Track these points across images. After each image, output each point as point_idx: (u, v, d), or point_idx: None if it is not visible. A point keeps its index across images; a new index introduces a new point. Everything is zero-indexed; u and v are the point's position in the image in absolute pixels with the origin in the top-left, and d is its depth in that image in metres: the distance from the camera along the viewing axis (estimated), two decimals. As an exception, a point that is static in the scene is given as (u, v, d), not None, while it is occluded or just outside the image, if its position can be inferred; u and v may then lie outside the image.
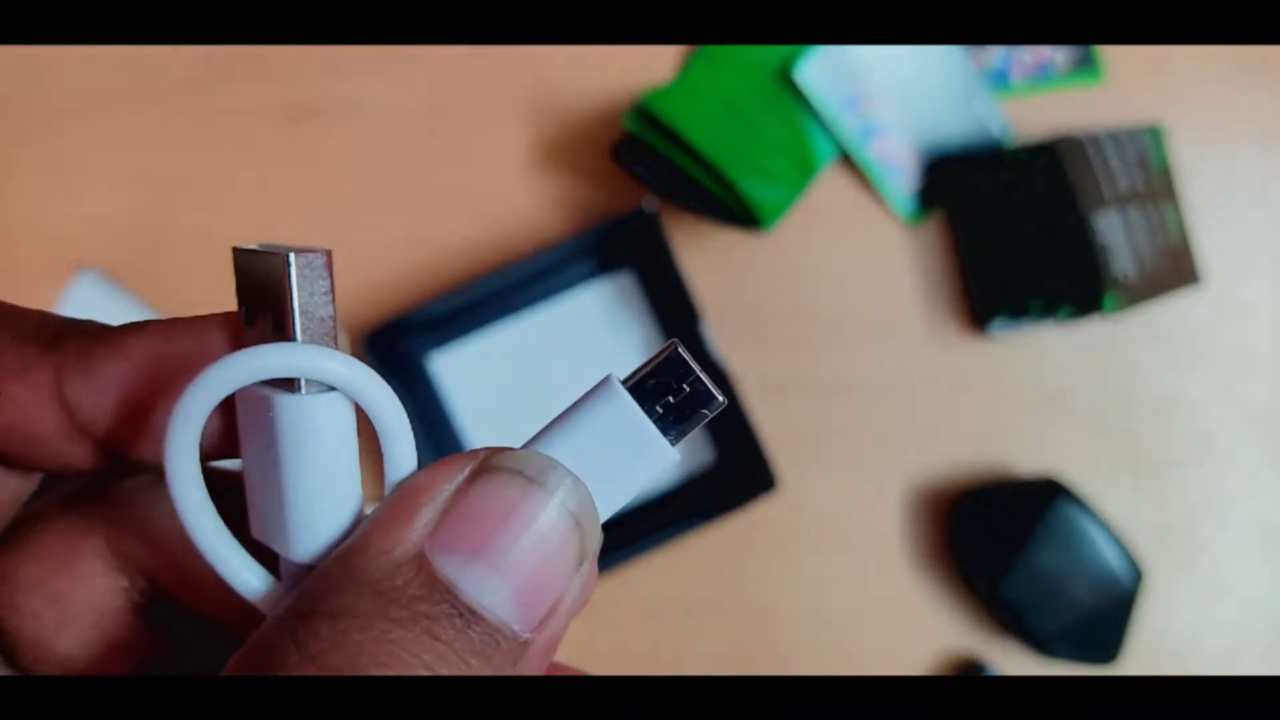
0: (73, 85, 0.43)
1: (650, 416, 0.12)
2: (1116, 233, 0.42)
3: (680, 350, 0.12)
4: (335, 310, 0.11)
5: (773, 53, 0.44)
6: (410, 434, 0.12)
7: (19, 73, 0.43)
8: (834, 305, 0.45)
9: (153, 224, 0.43)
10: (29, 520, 0.13)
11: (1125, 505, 0.46)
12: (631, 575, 0.43)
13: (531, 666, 0.12)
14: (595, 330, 0.43)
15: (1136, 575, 0.42)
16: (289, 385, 0.11)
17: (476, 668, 0.10)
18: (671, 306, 0.42)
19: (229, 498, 0.12)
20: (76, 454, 0.12)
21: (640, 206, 0.40)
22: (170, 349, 0.12)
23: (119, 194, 0.43)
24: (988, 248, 0.44)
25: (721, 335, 0.42)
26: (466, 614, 0.10)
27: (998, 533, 0.42)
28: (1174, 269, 0.44)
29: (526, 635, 0.11)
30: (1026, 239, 0.43)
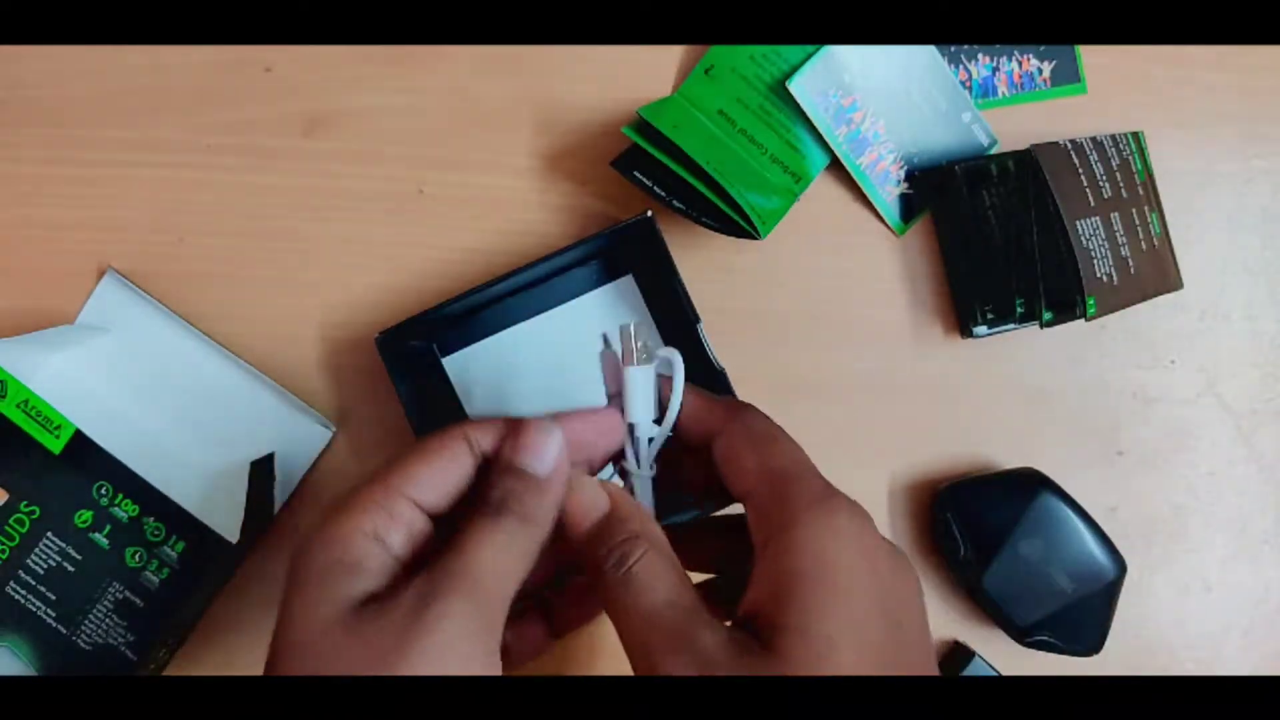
0: (99, 95, 0.44)
1: None
2: (1098, 237, 0.43)
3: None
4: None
5: (767, 67, 0.45)
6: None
7: (46, 81, 0.44)
8: (825, 308, 0.46)
9: (173, 230, 0.44)
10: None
11: (1107, 499, 0.47)
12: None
13: (550, 494, 0.28)
14: (597, 332, 0.44)
15: (1118, 567, 0.44)
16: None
17: (525, 491, 0.28)
18: (670, 310, 0.44)
19: None
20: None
21: (641, 214, 0.41)
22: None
23: (142, 201, 0.44)
24: (972, 252, 0.45)
25: (718, 337, 0.43)
26: (523, 473, 0.28)
27: (981, 524, 0.43)
28: (1155, 273, 0.46)
29: (545, 476, 0.28)
30: (1010, 244, 0.44)
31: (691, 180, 0.41)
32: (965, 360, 0.47)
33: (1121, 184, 0.45)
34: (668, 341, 0.44)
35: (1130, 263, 0.44)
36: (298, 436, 0.43)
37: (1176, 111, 0.48)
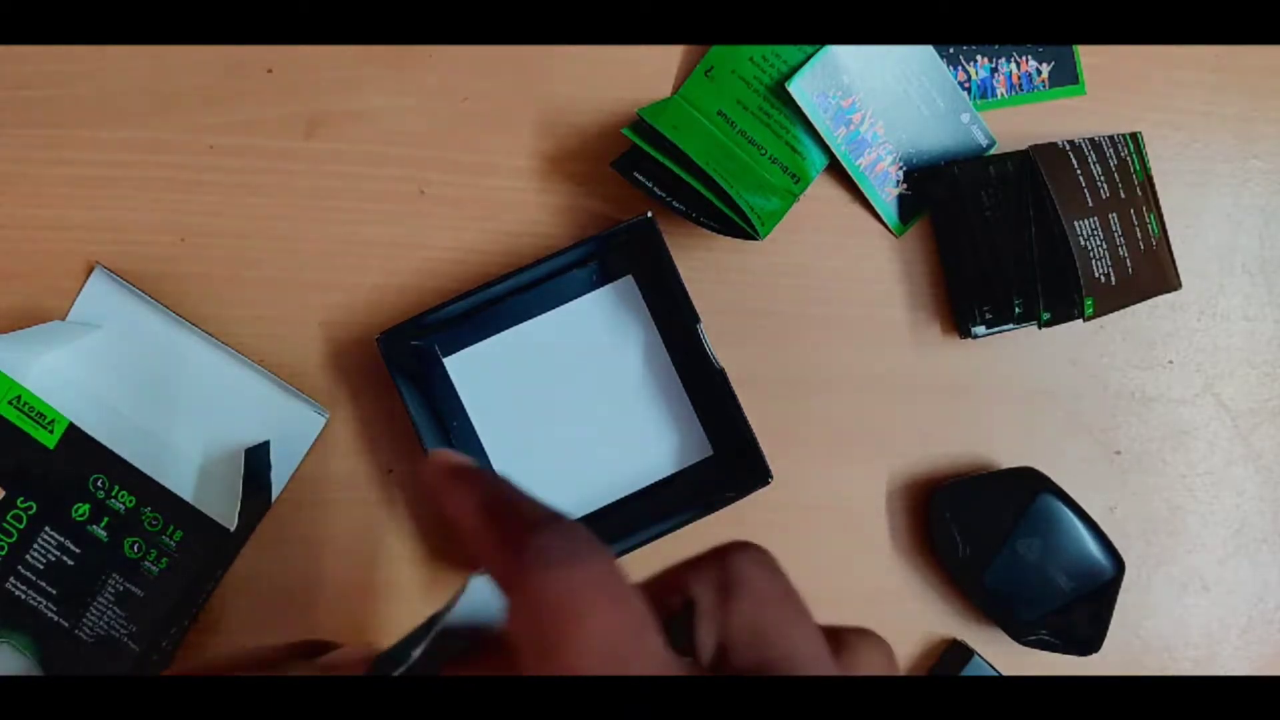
0: (100, 96, 0.44)
1: None
2: (1096, 238, 0.44)
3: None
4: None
5: (767, 69, 0.45)
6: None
7: (47, 82, 0.44)
8: (824, 308, 0.46)
9: (174, 231, 0.44)
10: None
11: (1105, 499, 0.47)
12: (630, 565, 0.44)
13: None
14: (597, 332, 0.44)
15: (1117, 566, 0.44)
16: None
17: None
18: (670, 310, 0.44)
19: None
20: None
21: (641, 215, 0.41)
22: None
23: (143, 201, 0.44)
24: (971, 253, 0.46)
25: (717, 337, 0.43)
26: None
27: (980, 523, 0.44)
28: (1153, 273, 0.46)
29: None
30: (1008, 244, 0.45)
31: (691, 181, 0.41)
32: (963, 360, 0.47)
33: (1120, 184, 0.45)
34: (668, 341, 0.44)
35: (1128, 263, 0.44)
36: (292, 423, 0.44)
37: (1175, 112, 0.48)
